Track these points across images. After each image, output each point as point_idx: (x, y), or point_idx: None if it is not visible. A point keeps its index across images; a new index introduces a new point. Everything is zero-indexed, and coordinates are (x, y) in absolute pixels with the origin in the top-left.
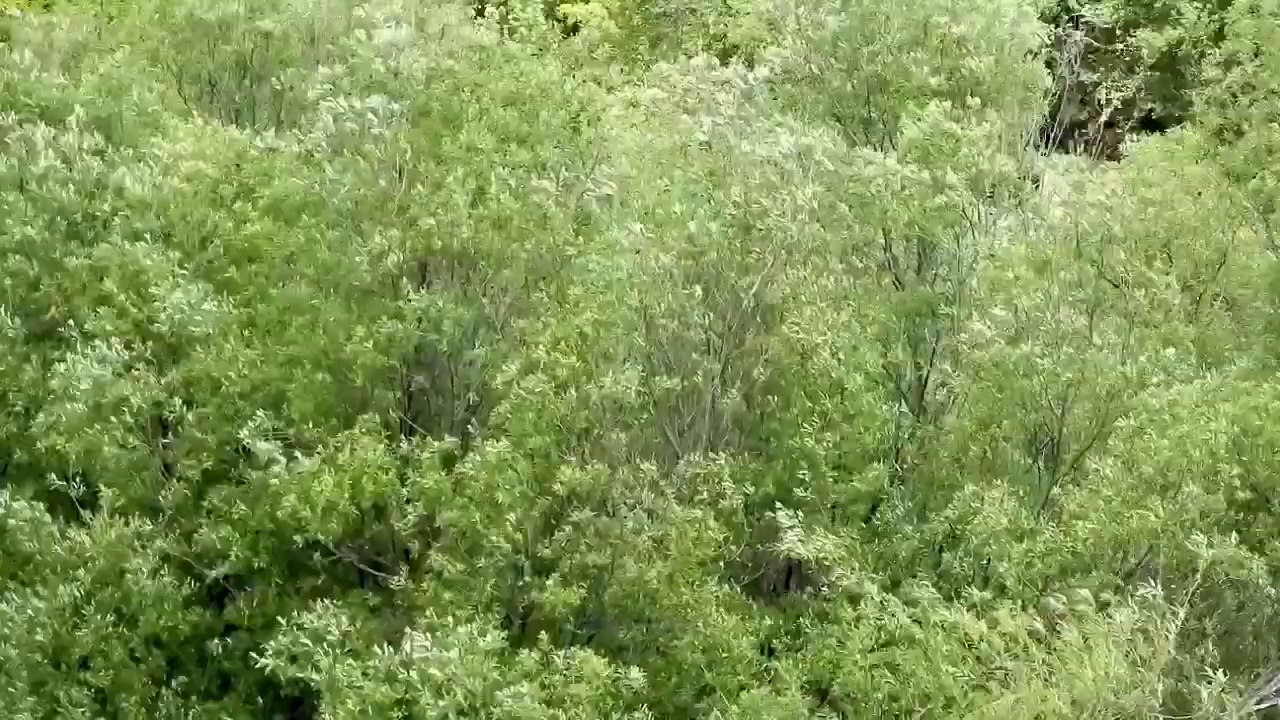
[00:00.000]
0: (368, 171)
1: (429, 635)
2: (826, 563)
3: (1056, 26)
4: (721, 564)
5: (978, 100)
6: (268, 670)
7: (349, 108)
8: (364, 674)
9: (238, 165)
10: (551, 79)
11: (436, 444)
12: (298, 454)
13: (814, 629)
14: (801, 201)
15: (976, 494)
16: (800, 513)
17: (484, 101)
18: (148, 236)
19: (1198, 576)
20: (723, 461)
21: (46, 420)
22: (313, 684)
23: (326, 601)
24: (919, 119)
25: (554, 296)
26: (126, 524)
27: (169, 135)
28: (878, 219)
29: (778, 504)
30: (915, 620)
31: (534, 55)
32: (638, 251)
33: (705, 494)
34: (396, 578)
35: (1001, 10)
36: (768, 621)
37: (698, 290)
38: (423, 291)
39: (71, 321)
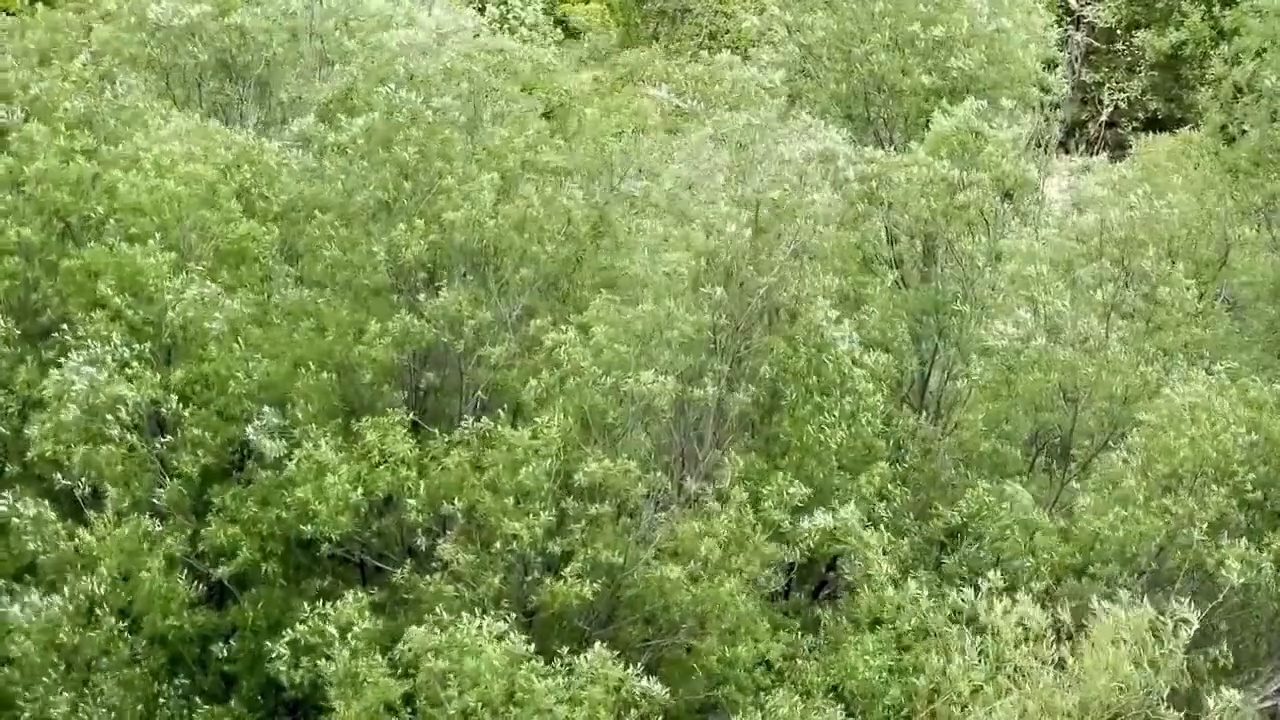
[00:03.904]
0: (395, 168)
1: (445, 630)
2: (853, 543)
3: (1057, 26)
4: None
5: (1010, 102)
6: (273, 671)
7: (405, 100)
8: (376, 669)
9: (237, 166)
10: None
11: (470, 420)
12: (308, 447)
13: (830, 632)
14: (820, 202)
15: (994, 488)
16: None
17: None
18: (154, 238)
19: (1208, 582)
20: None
21: (41, 429)
22: (322, 680)
23: (359, 595)
24: (950, 114)
25: (590, 287)
26: (136, 525)
27: (152, 134)
28: (909, 217)
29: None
30: (931, 611)
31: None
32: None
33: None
34: (401, 572)
35: (981, 9)
36: (787, 635)
37: (719, 291)
38: (444, 292)
39: (66, 326)
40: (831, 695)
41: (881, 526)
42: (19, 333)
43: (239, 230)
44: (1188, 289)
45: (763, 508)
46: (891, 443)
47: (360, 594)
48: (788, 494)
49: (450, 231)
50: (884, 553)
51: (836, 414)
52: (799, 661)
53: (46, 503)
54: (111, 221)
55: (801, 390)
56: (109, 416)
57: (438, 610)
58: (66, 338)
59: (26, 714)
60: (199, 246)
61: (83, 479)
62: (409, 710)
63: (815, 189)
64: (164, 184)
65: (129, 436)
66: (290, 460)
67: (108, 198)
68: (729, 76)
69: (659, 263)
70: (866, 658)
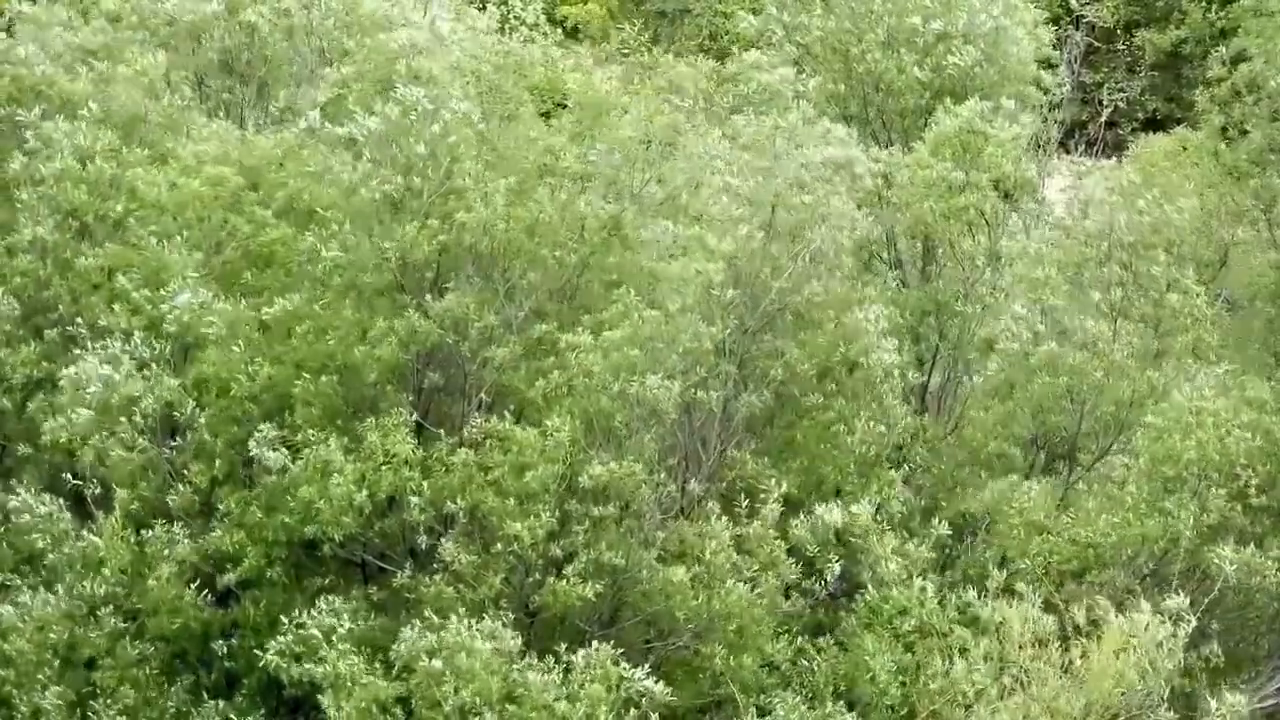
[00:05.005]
0: (406, 163)
1: (438, 632)
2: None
3: (1057, 26)
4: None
5: (1009, 102)
6: (272, 668)
7: (418, 98)
8: (369, 670)
9: (281, 164)
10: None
11: (479, 418)
12: (317, 449)
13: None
14: (838, 206)
15: (1012, 485)
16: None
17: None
18: (179, 236)
19: (1209, 582)
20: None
21: (54, 422)
22: (318, 680)
23: (331, 597)
24: (954, 114)
25: (602, 285)
26: (141, 529)
27: (194, 137)
28: (909, 216)
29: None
30: (940, 605)
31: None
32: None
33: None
34: (402, 571)
35: (982, 6)
36: (789, 638)
37: (730, 292)
38: (450, 294)
39: (80, 319)
40: (837, 696)
41: (892, 529)
42: (29, 322)
43: (271, 234)
44: (1197, 295)
45: (789, 526)
46: (890, 443)
47: (336, 599)
48: (823, 524)
49: (460, 233)
50: (894, 554)
51: (860, 421)
52: (804, 663)
53: (61, 501)
54: (132, 220)
55: (819, 395)
56: (122, 419)
57: (429, 614)
58: (81, 330)
59: (21, 710)
60: (226, 245)
61: (93, 478)
62: (405, 711)
63: (834, 194)
64: (188, 183)
65: (140, 440)
66: (295, 464)
67: (127, 197)
68: (758, 79)
69: (684, 266)
70: (876, 657)
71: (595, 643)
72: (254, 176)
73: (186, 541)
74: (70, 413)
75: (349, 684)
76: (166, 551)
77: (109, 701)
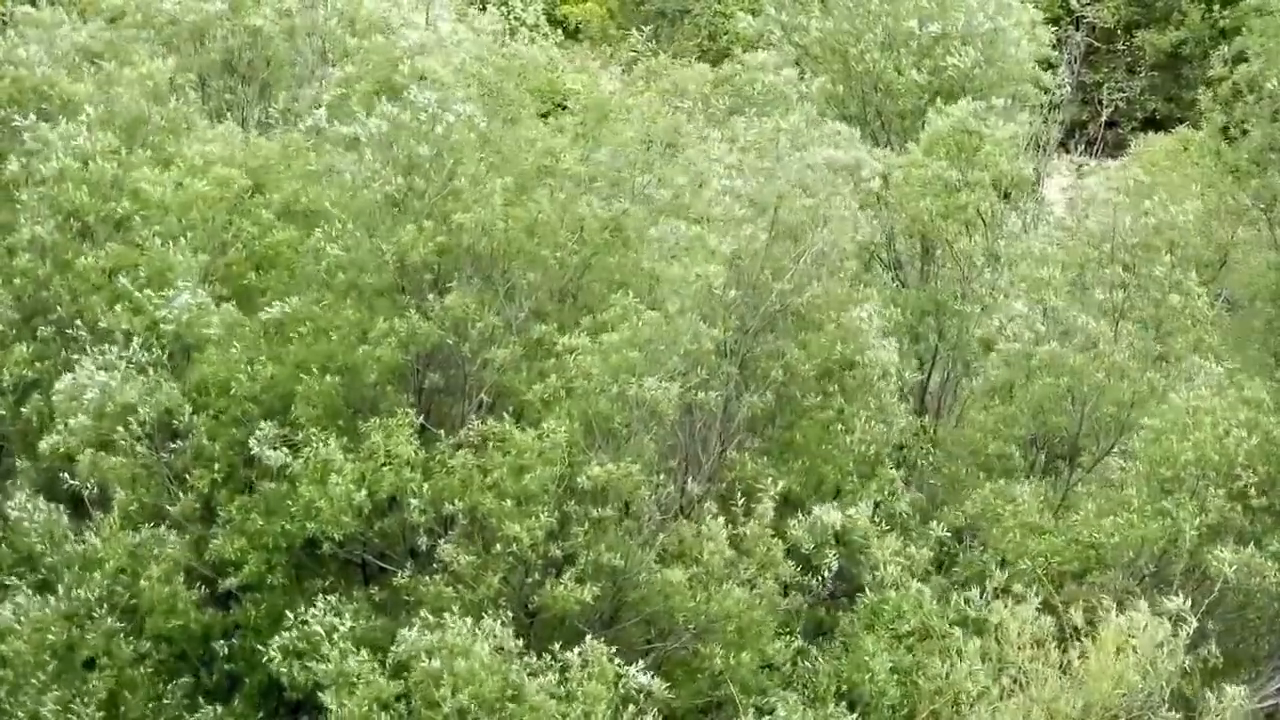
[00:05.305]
0: (408, 164)
1: (437, 631)
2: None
3: (1057, 27)
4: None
5: (999, 100)
6: (274, 668)
7: (427, 101)
8: (372, 669)
9: (288, 165)
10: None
11: (476, 421)
12: (316, 447)
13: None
14: (839, 208)
15: (1000, 490)
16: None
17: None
18: (184, 238)
19: (1209, 583)
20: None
21: (50, 439)
22: (318, 680)
23: (331, 598)
24: (947, 114)
25: (604, 284)
26: (137, 529)
27: (199, 138)
28: (906, 216)
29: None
30: (938, 605)
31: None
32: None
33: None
34: (402, 572)
35: (979, 6)
36: (790, 638)
37: (732, 293)
38: (450, 295)
39: (80, 321)
40: (839, 697)
41: (892, 529)
42: (29, 323)
43: (277, 236)
44: (1199, 297)
45: (787, 526)
46: (890, 443)
47: (333, 599)
48: (821, 523)
49: (458, 233)
50: (894, 556)
51: (860, 421)
52: (805, 663)
53: (61, 507)
54: (136, 219)
55: (818, 394)
56: (120, 428)
57: (424, 614)
58: (81, 331)
59: (18, 715)
60: (230, 246)
61: (91, 479)
62: (405, 708)
63: (836, 195)
64: (193, 184)
65: (138, 447)
66: (296, 461)
67: (130, 198)
68: (763, 80)
69: (685, 267)
70: (876, 658)
71: (588, 638)
72: (259, 177)
73: (177, 540)
74: (68, 420)
75: (353, 682)
76: (157, 551)
77: (85, 700)
